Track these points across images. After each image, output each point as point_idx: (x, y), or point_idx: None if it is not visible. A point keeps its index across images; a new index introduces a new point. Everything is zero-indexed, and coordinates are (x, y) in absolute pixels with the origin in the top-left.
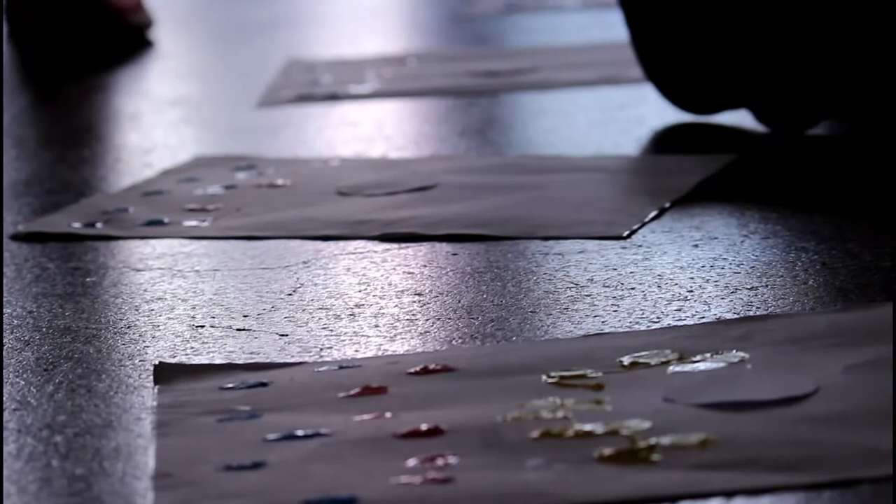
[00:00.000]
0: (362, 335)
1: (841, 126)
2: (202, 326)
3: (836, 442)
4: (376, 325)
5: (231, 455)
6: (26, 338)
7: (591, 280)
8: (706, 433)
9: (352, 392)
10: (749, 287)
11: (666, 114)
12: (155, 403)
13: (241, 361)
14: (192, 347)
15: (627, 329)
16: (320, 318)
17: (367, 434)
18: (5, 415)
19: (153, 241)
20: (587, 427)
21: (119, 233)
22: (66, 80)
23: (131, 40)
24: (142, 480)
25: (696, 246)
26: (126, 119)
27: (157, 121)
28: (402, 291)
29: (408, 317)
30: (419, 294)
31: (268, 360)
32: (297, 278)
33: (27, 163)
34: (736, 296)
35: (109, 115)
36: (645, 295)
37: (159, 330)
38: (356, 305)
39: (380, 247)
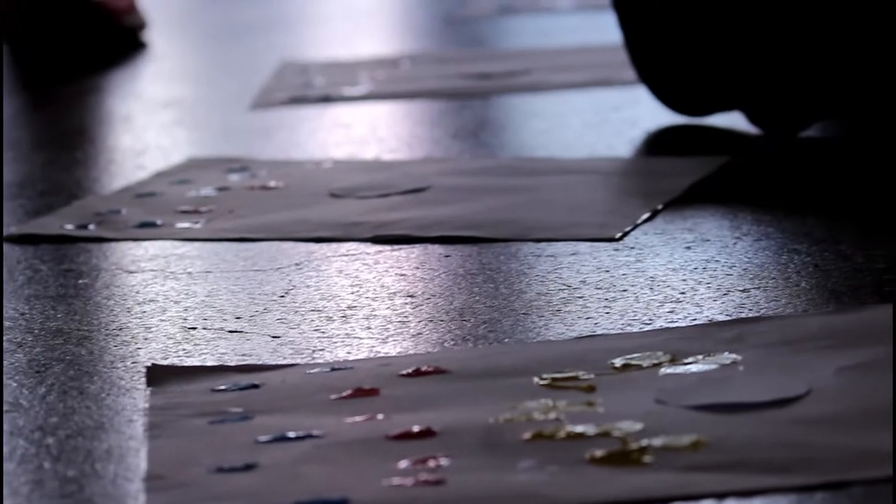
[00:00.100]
0: (354, 337)
1: (834, 128)
2: (194, 328)
3: (829, 444)
4: (368, 327)
5: (223, 457)
6: (18, 340)
7: (584, 282)
8: (698, 435)
9: (344, 394)
10: (741, 289)
11: (659, 116)
12: (147, 405)
13: (233, 363)
14: (184, 349)
15: (619, 331)
16: (312, 320)
17: (358, 436)
18: None
19: (146, 243)
20: (579, 429)
21: (112, 234)
22: (59, 83)
23: (124, 42)
24: (134, 482)
25: (688, 248)
26: (119, 121)
27: (149, 122)
28: (395, 293)
29: (400, 319)
30: (411, 296)
31: (260, 362)
32: (290, 280)
33: (20, 165)
34: (728, 298)
35: (102, 117)
36: (637, 297)
37: (151, 332)
38: (348, 307)
39: (372, 249)
